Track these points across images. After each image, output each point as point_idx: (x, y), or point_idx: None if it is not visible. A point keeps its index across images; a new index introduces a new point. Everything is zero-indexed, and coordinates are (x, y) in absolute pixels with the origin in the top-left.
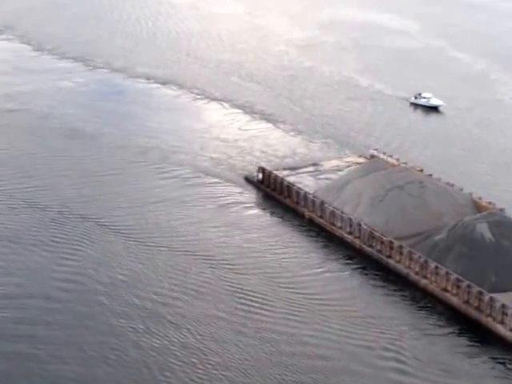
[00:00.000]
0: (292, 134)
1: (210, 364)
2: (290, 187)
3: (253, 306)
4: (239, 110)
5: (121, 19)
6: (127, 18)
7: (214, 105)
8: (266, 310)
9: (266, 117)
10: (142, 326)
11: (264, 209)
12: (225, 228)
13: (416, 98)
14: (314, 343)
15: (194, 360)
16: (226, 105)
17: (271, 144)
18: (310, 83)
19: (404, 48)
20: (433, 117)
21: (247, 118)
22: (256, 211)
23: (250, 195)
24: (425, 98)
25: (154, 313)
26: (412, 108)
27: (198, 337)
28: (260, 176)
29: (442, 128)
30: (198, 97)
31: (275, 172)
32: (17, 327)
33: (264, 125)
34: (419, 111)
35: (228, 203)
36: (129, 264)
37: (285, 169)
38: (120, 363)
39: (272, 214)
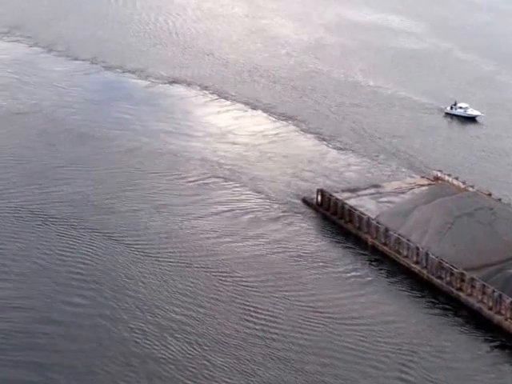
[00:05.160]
0: (346, 151)
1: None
2: (351, 212)
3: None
4: (272, 116)
5: (127, 21)
6: (133, 20)
7: (240, 107)
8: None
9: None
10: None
11: (324, 234)
12: (283, 254)
13: (452, 108)
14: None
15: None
16: (250, 108)
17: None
18: (330, 85)
19: (414, 50)
20: (473, 128)
21: (278, 123)
22: (316, 237)
23: (308, 219)
24: (461, 108)
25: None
26: (448, 118)
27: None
28: (319, 198)
29: (486, 140)
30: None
31: (335, 195)
32: None
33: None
34: (456, 122)
35: (286, 227)
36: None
37: (344, 191)
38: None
39: (332, 240)
